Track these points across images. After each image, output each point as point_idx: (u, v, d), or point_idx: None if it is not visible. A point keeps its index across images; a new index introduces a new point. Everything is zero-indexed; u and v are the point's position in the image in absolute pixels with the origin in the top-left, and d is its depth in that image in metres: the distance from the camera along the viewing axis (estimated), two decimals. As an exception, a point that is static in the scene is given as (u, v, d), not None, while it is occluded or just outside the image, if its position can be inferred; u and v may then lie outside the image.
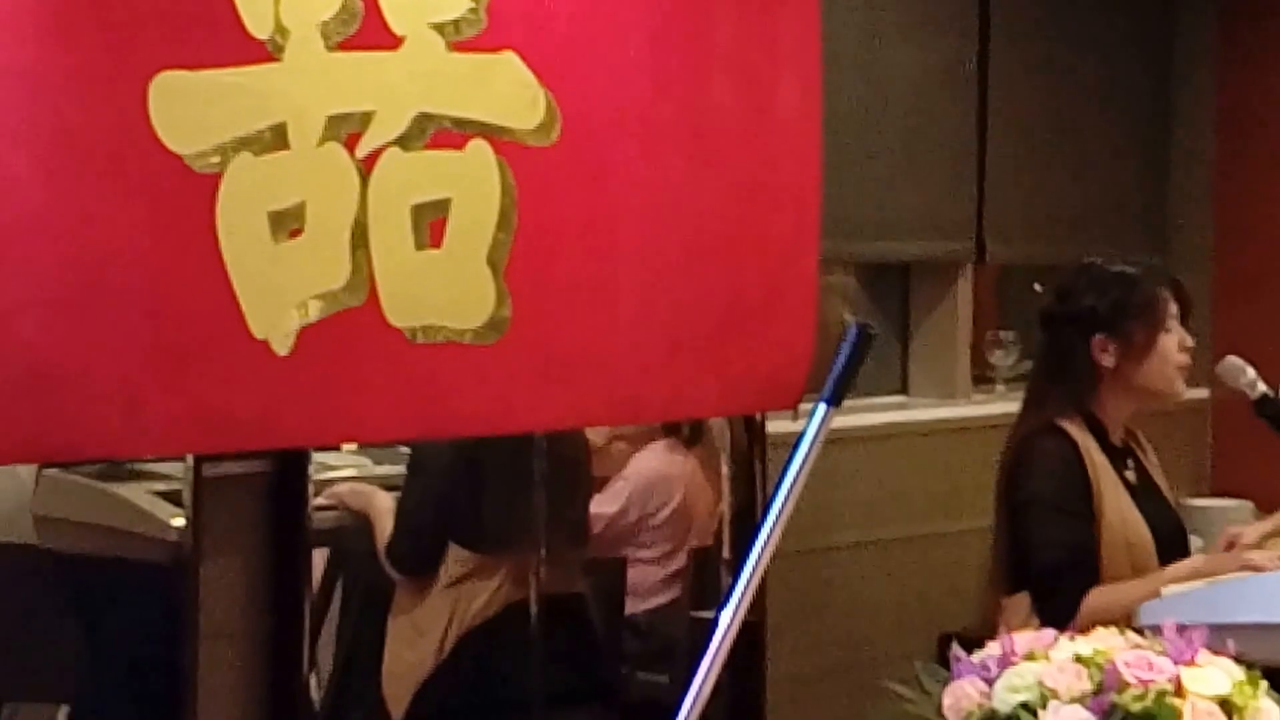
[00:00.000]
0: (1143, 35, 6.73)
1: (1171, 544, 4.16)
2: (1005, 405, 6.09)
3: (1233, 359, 4.43)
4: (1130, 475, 4.20)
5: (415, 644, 4.95)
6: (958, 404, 6.20)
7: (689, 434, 5.59)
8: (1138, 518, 4.11)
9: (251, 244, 3.61)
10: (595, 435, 5.60)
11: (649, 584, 5.66)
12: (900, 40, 5.84)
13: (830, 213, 4.70)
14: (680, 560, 5.56)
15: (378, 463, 5.31)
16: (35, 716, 5.44)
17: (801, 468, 2.06)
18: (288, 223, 3.66)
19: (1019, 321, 6.70)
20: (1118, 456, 4.19)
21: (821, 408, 2.08)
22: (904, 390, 6.27)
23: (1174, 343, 4.19)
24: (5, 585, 5.17)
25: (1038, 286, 6.96)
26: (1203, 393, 6.39)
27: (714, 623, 2.03)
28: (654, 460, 5.63)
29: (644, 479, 5.61)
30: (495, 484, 4.98)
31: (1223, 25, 6.83)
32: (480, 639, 4.94)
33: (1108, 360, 4.17)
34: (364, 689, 5.02)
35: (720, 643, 2.02)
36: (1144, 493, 4.20)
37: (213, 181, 3.55)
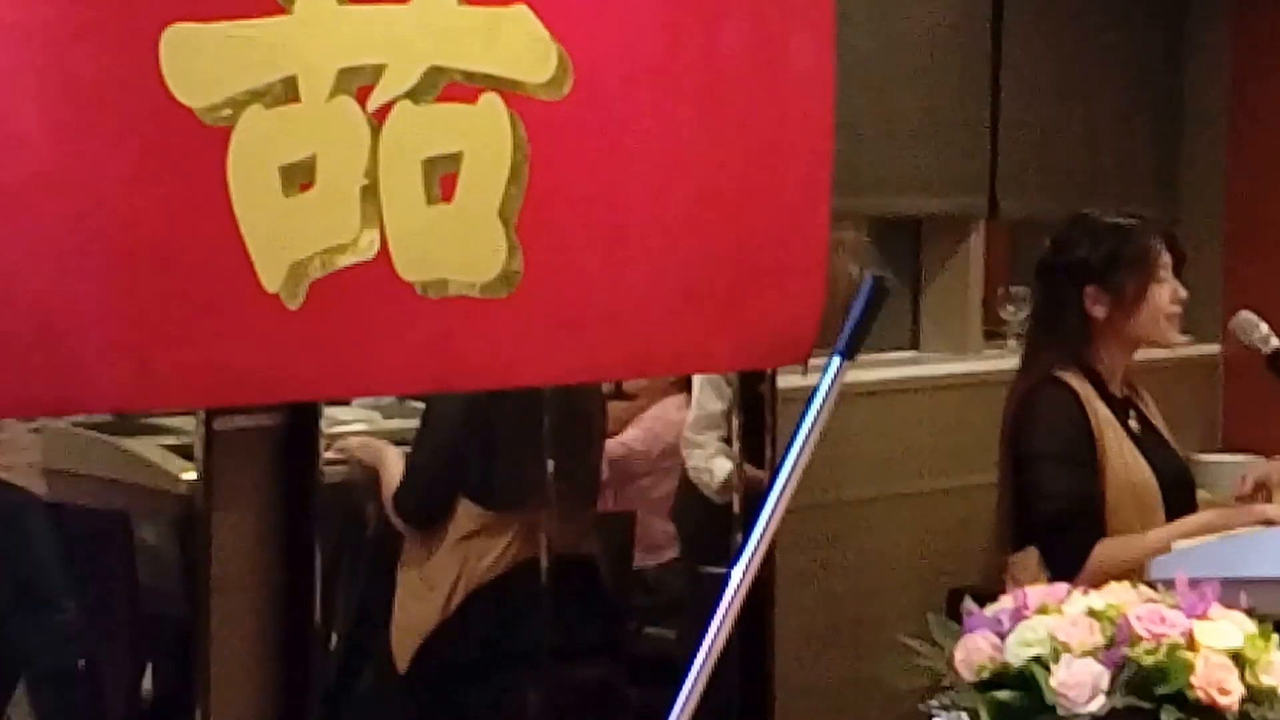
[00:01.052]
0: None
1: (1177, 489, 4.17)
2: (1016, 361, 6.07)
3: (1245, 314, 4.42)
4: (1133, 424, 4.21)
5: (424, 598, 4.96)
6: (969, 359, 6.19)
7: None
8: (1142, 463, 4.12)
9: (262, 197, 3.60)
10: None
11: (658, 538, 5.66)
12: (914, -7, 5.83)
13: (842, 168, 4.69)
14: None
15: (388, 417, 5.32)
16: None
17: (816, 421, 2.05)
18: (298, 176, 3.65)
19: (1030, 277, 6.68)
20: (1119, 407, 4.19)
21: (836, 360, 2.07)
22: (915, 346, 6.26)
23: (1166, 294, 4.20)
24: (18, 538, 5.18)
25: (1049, 243, 6.95)
26: (1214, 348, 6.39)
27: (725, 579, 2.03)
28: (670, 413, 5.64)
29: (658, 423, 5.62)
30: (507, 440, 4.99)
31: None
32: (489, 595, 4.94)
33: (1099, 311, 4.18)
34: (373, 642, 5.03)
35: (732, 600, 2.02)
36: (1147, 440, 4.20)
37: (223, 134, 3.54)
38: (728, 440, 5.37)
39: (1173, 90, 6.82)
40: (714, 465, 5.41)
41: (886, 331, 6.08)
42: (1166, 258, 4.22)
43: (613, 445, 5.61)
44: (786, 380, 5.05)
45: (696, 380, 5.46)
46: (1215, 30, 6.81)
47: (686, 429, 5.49)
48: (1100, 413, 4.12)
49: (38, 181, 3.33)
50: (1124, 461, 4.10)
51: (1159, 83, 6.76)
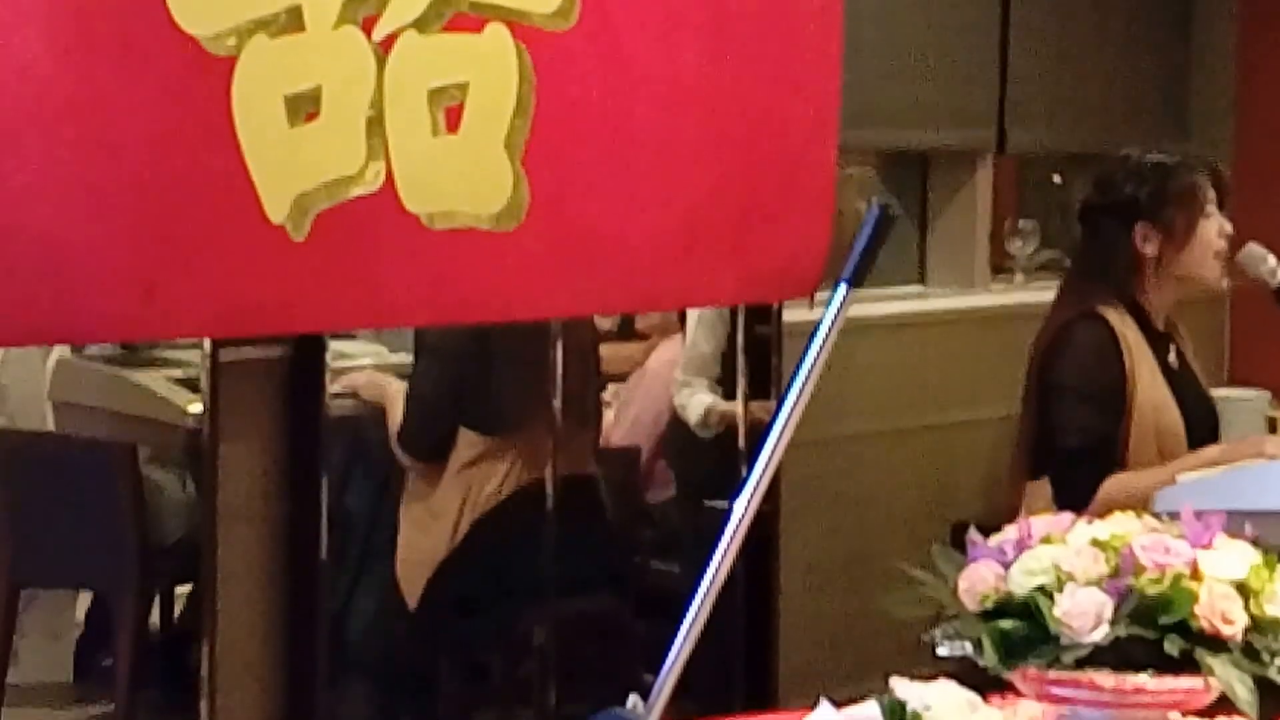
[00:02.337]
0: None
1: (1203, 433, 4.18)
2: (1023, 295, 6.09)
3: (1253, 246, 4.41)
4: (1172, 360, 4.22)
5: (429, 529, 4.97)
6: (976, 293, 6.19)
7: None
8: (1172, 405, 4.13)
9: (267, 128, 3.59)
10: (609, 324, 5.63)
11: (662, 473, 5.67)
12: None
13: (849, 100, 4.67)
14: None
15: (393, 350, 5.32)
16: (53, 603, 5.49)
17: (821, 348, 2.04)
18: (304, 106, 3.64)
19: (1038, 211, 6.68)
20: (1160, 342, 4.20)
21: (842, 288, 2.06)
22: (922, 280, 6.26)
23: (1214, 228, 4.22)
24: (22, 472, 5.20)
25: (1056, 178, 6.94)
26: (1224, 281, 6.37)
27: (728, 513, 2.03)
28: (674, 355, 5.63)
29: (663, 380, 5.61)
30: (504, 367, 4.99)
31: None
32: (494, 522, 4.95)
33: (1150, 248, 4.19)
34: (380, 575, 5.04)
35: (734, 534, 2.02)
36: (1182, 379, 4.22)
37: (228, 64, 3.52)
38: (721, 381, 5.38)
39: (1181, 24, 6.79)
40: (691, 402, 5.41)
41: (893, 266, 6.08)
42: (1212, 193, 4.24)
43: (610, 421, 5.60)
44: (793, 314, 5.05)
45: (691, 318, 5.45)
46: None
47: (677, 369, 5.49)
48: (1137, 349, 4.13)
49: (42, 110, 3.32)
50: (1153, 402, 4.11)
51: (1167, 16, 6.73)
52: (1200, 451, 4.11)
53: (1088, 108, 6.42)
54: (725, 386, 5.41)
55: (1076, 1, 6.35)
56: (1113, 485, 3.98)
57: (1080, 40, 6.37)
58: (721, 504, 5.08)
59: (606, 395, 5.61)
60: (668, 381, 5.57)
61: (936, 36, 5.88)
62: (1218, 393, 5.90)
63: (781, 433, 2.04)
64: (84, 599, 5.60)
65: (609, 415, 5.58)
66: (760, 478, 2.03)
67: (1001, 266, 6.44)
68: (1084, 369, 4.14)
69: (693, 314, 5.44)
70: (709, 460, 5.43)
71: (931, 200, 6.23)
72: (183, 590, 5.33)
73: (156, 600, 5.53)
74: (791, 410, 2.04)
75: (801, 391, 2.05)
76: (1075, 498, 3.85)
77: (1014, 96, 6.15)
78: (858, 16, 4.88)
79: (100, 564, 5.11)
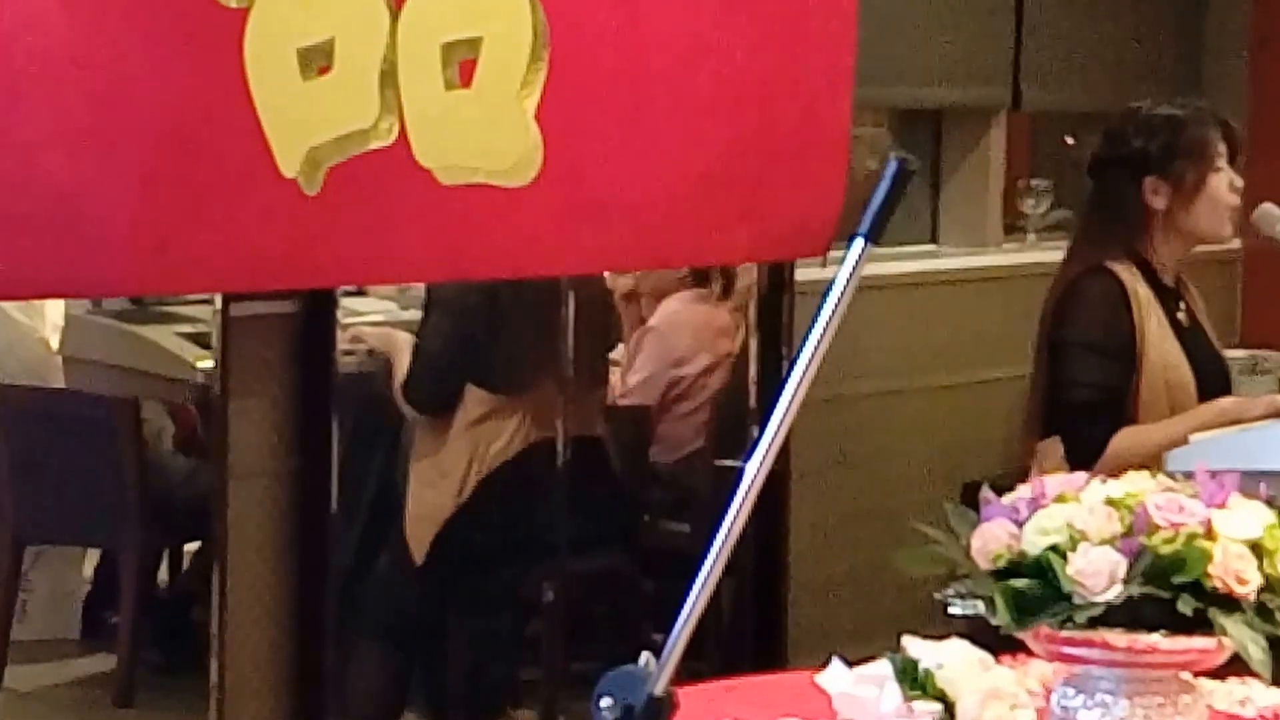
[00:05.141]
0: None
1: (1214, 387, 4.15)
2: (1036, 254, 6.07)
3: (1268, 206, 4.39)
4: (1181, 317, 4.20)
5: (437, 485, 4.97)
6: (988, 252, 6.18)
7: (721, 290, 5.57)
8: (1181, 360, 4.11)
9: (280, 81, 3.57)
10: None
11: (675, 433, 5.66)
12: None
13: (863, 58, 4.65)
14: (706, 411, 5.56)
15: (404, 308, 5.31)
16: (63, 560, 5.49)
17: (837, 305, 2.02)
18: (316, 60, 3.62)
19: (1051, 170, 6.66)
20: (1169, 297, 4.18)
21: (859, 242, 2.04)
22: (934, 239, 6.25)
23: (1224, 182, 4.18)
24: (25, 428, 5.19)
25: (1069, 139, 6.91)
26: (1234, 242, 6.35)
27: (740, 473, 2.01)
28: (680, 313, 5.61)
29: (668, 340, 5.59)
30: (515, 324, 4.98)
31: None
32: (502, 479, 4.95)
33: (1159, 202, 4.16)
34: (390, 531, 5.04)
35: (746, 495, 2.00)
36: (1192, 335, 4.19)
37: (241, 16, 3.51)
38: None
39: (1196, -17, 6.77)
40: None
41: (905, 224, 6.06)
42: (1223, 147, 4.21)
43: (614, 382, 5.60)
44: (805, 273, 5.04)
45: None
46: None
47: None
48: (1146, 305, 4.10)
49: (51, 62, 3.31)
50: (1163, 358, 4.09)
51: (1181, -28, 6.71)
52: (1213, 403, 4.09)
53: (1102, 65, 6.39)
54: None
55: (1091, -42, 6.33)
56: (1124, 439, 3.97)
57: (1094, -1, 6.35)
58: (731, 463, 5.10)
59: (614, 354, 5.60)
60: (673, 340, 5.56)
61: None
62: (1229, 354, 5.89)
63: (795, 392, 2.02)
64: (93, 556, 5.61)
65: (615, 374, 5.58)
66: (773, 438, 2.02)
67: (1014, 226, 6.42)
68: (1093, 324, 4.12)
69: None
70: (716, 417, 5.43)
71: (944, 159, 6.21)
72: (192, 547, 5.33)
73: (166, 557, 5.54)
74: (806, 369, 2.03)
75: (816, 349, 2.03)
76: (1086, 453, 3.84)
77: (1028, 54, 6.12)
78: (872, -28, 4.86)
79: (104, 521, 5.12)
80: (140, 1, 3.41)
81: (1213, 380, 4.16)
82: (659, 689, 1.91)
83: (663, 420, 5.61)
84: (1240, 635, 2.41)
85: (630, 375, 5.60)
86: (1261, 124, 6.54)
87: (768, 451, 2.00)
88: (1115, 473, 2.63)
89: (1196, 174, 4.15)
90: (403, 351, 5.01)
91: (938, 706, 2.46)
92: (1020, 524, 2.54)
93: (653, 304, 5.68)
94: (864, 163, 5.83)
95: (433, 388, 4.99)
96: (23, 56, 3.29)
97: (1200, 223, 4.18)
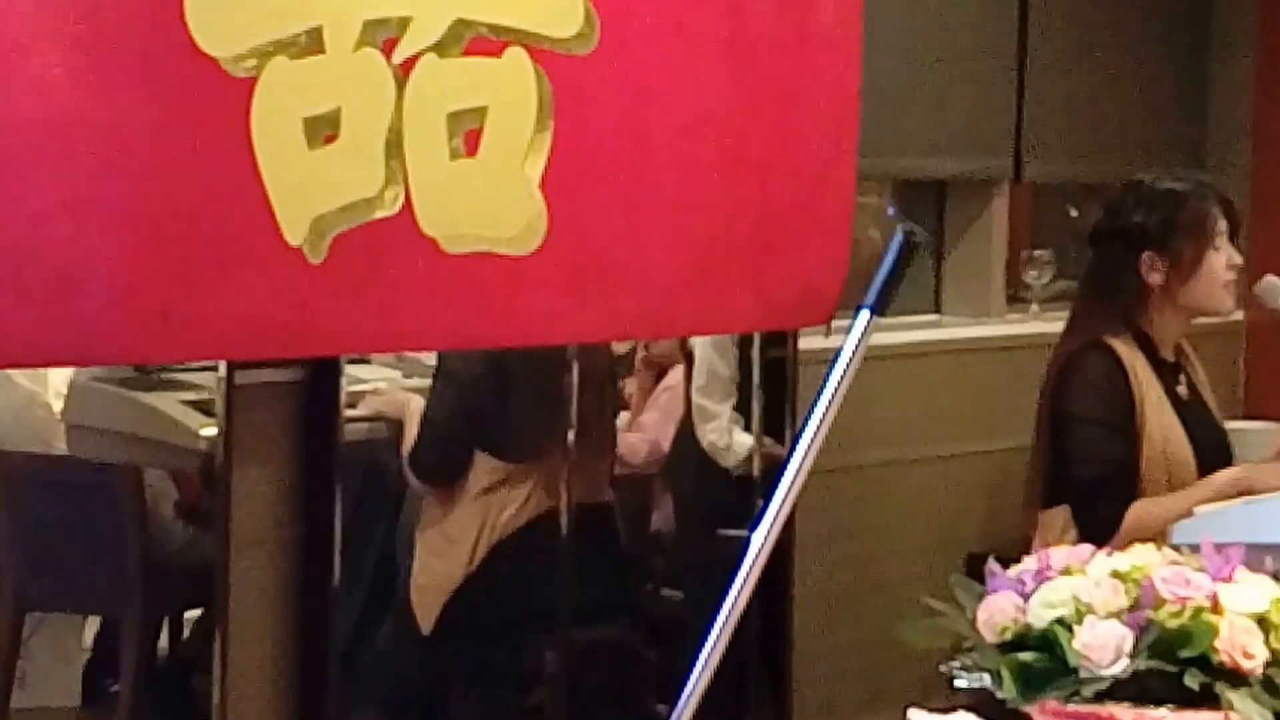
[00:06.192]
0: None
1: (1214, 462, 4.15)
2: (1039, 325, 6.08)
3: (1272, 278, 4.40)
4: (1181, 391, 4.19)
5: (446, 554, 4.96)
6: (991, 323, 6.18)
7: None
8: (1181, 435, 4.11)
9: (286, 150, 3.58)
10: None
11: (675, 500, 5.65)
12: (941, -48, 5.80)
13: (866, 128, 4.66)
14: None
15: (408, 376, 5.31)
16: (63, 627, 5.47)
17: (843, 376, 2.03)
18: (323, 129, 3.63)
19: (1054, 241, 6.67)
20: (1168, 371, 4.18)
21: (864, 315, 2.05)
22: (937, 309, 6.25)
23: (1222, 260, 4.18)
24: (28, 495, 5.18)
25: (1073, 211, 6.93)
26: (1237, 314, 6.37)
27: (745, 542, 2.01)
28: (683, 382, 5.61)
29: (671, 406, 5.59)
30: (522, 392, 4.98)
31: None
32: (511, 548, 4.94)
33: (1156, 278, 4.16)
34: (394, 601, 5.03)
35: (753, 564, 2.00)
36: (1191, 410, 4.19)
37: (248, 85, 3.52)
38: (738, 408, 5.36)
39: (1199, 53, 6.79)
40: (734, 441, 5.38)
41: (909, 294, 6.07)
42: (1223, 224, 4.21)
43: (633, 441, 5.59)
44: (808, 342, 5.04)
45: (699, 343, 5.42)
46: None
47: (696, 393, 5.46)
48: (1145, 380, 4.10)
49: (59, 127, 3.31)
50: (1163, 432, 4.09)
51: (1185, 45, 6.73)
52: (1226, 471, 4.08)
53: (1104, 138, 6.41)
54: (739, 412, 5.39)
55: (1094, 31, 6.35)
56: (1139, 511, 3.96)
57: (1097, 70, 6.37)
58: (735, 533, 5.09)
59: (619, 422, 5.60)
60: (677, 408, 5.56)
61: (953, 65, 5.87)
62: (1232, 425, 5.89)
63: (802, 463, 2.02)
64: (94, 623, 5.59)
65: (623, 441, 5.57)
66: (779, 509, 2.01)
67: (1017, 296, 6.42)
68: (1094, 397, 4.12)
69: (700, 339, 5.41)
70: (722, 487, 5.42)
71: (948, 229, 6.23)
72: (192, 615, 5.31)
73: (167, 625, 5.52)
74: (812, 440, 2.03)
75: (822, 420, 2.03)
76: (1098, 527, 3.83)
77: (1030, 125, 6.14)
78: (875, 45, 4.87)
79: (105, 588, 5.10)
80: (147, 69, 3.42)
81: (1213, 455, 4.16)
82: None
83: (666, 491, 5.61)
84: (1247, 710, 2.41)
85: (640, 438, 5.60)
86: (1264, 196, 6.56)
87: (775, 522, 2.00)
88: (1127, 546, 2.63)
89: (1195, 251, 4.15)
90: (415, 418, 5.01)
91: (944, 779, 2.45)
92: (1026, 596, 2.54)
93: (665, 370, 5.69)
94: (867, 232, 5.84)
95: (438, 458, 4.99)
96: (29, 124, 3.29)
97: (1198, 299, 4.18)
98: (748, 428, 5.23)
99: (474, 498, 4.95)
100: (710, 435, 5.39)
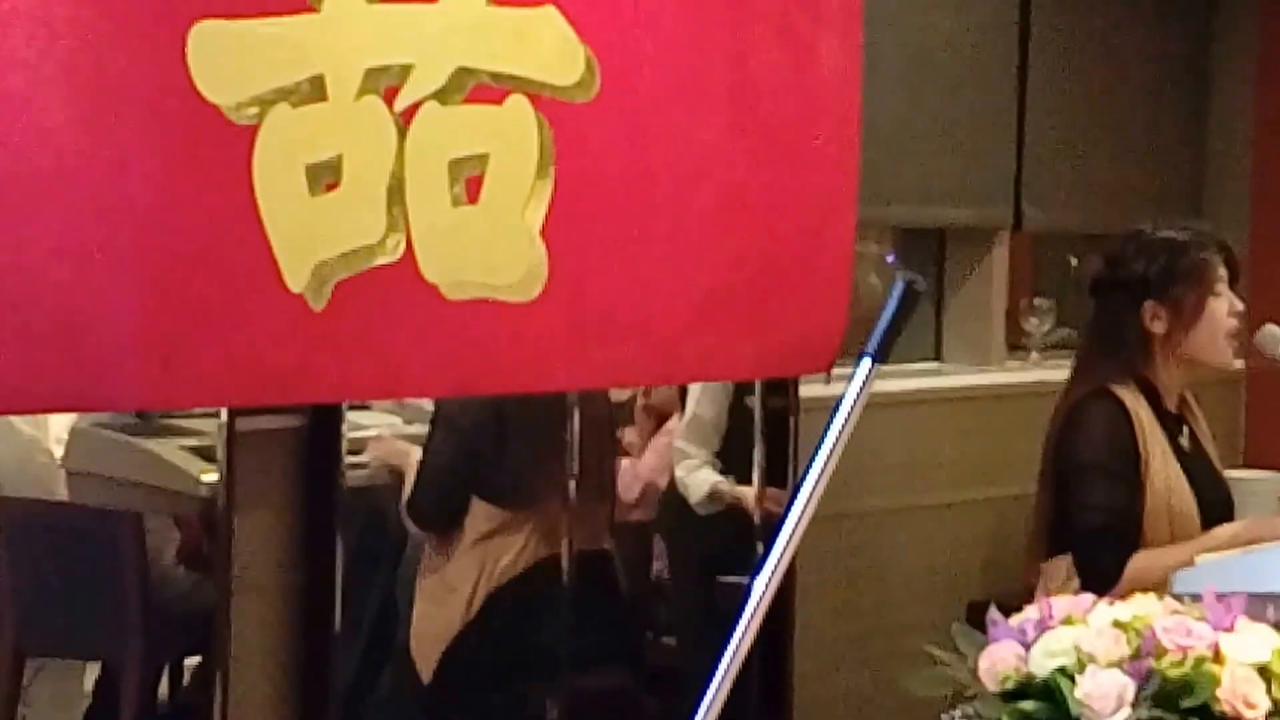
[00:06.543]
0: (1183, 1, 6.70)
1: (1217, 514, 4.15)
2: (1039, 373, 6.09)
3: (1271, 328, 4.40)
4: (1184, 442, 4.19)
5: (445, 602, 4.95)
6: (991, 371, 6.18)
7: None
8: (1184, 486, 4.10)
9: (288, 197, 3.59)
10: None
11: (674, 547, 5.65)
12: (942, 3, 5.81)
13: (867, 177, 4.68)
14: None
15: (408, 422, 5.31)
16: (62, 674, 5.46)
17: (844, 424, 2.03)
18: (324, 176, 3.64)
19: (1054, 289, 6.68)
20: (1171, 422, 4.18)
21: (865, 363, 2.05)
22: (938, 356, 6.26)
23: (1224, 308, 4.18)
24: (28, 540, 5.18)
25: (1073, 260, 6.94)
26: (1237, 363, 6.37)
27: (747, 590, 2.01)
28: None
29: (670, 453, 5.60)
30: (521, 439, 4.98)
31: (1263, -9, 6.80)
32: (510, 595, 4.94)
33: (1158, 326, 4.16)
34: (394, 647, 5.02)
35: (754, 613, 2.00)
36: (1195, 461, 4.18)
37: (250, 133, 3.53)
38: (720, 454, 5.37)
39: (1198, 102, 6.80)
40: (692, 480, 5.40)
41: (909, 342, 6.08)
42: (1223, 271, 4.21)
43: (629, 479, 5.60)
44: (809, 390, 5.04)
45: (690, 388, 5.44)
46: (1242, 41, 6.79)
47: (677, 437, 5.48)
48: (1149, 429, 4.10)
49: (63, 175, 3.32)
50: (1167, 483, 4.08)
51: (1184, 95, 6.75)
52: (1228, 525, 4.08)
53: (1104, 186, 6.43)
54: (724, 459, 5.40)
55: (1093, 80, 6.37)
56: (1140, 562, 3.96)
57: (1097, 119, 6.39)
58: (735, 580, 5.09)
59: (621, 468, 5.60)
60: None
61: (954, 112, 5.89)
62: (1232, 474, 5.90)
63: (803, 510, 2.02)
64: (93, 670, 5.58)
65: (622, 488, 5.58)
66: (781, 557, 2.01)
67: (1017, 344, 6.43)
68: (1099, 446, 4.11)
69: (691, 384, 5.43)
70: (721, 534, 5.42)
71: (948, 277, 6.24)
72: (193, 661, 5.31)
73: (167, 672, 5.51)
74: (814, 487, 2.03)
75: (824, 468, 2.03)
76: (1100, 577, 3.82)
77: (1030, 174, 6.16)
78: (875, 92, 4.89)
79: (105, 634, 5.09)
80: (150, 117, 3.43)
81: (1215, 507, 4.16)
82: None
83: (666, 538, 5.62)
84: (1249, 759, 2.41)
85: (638, 485, 5.60)
86: (1264, 246, 6.57)
87: (776, 570, 2.00)
88: (1129, 596, 2.63)
89: (1196, 298, 4.16)
90: (414, 467, 5.01)
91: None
92: (1028, 645, 2.54)
93: (665, 417, 5.70)
94: (867, 279, 5.85)
95: (436, 504, 4.99)
96: (32, 171, 3.30)
97: (1200, 348, 4.18)
98: (749, 474, 5.23)
99: (471, 545, 4.95)
100: (678, 472, 5.41)
